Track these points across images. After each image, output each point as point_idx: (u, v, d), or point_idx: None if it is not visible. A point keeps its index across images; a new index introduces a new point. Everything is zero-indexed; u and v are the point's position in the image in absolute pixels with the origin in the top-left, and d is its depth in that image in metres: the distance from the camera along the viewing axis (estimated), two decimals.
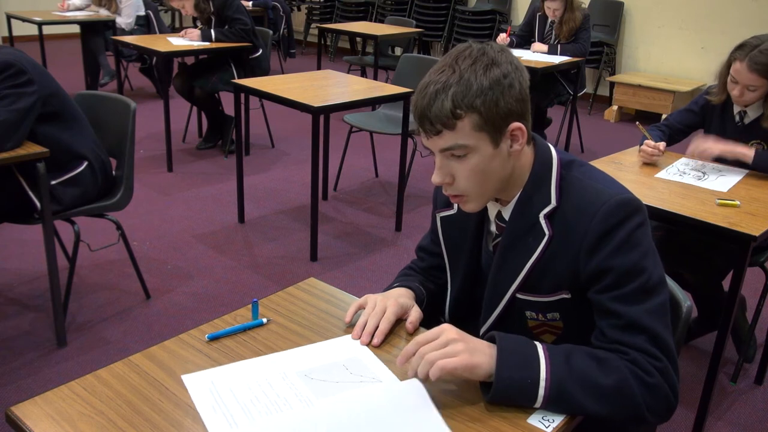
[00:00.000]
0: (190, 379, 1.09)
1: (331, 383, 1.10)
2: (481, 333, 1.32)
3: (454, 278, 1.38)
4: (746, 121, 2.36)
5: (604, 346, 1.12)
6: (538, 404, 1.05)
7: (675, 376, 1.10)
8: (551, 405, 1.05)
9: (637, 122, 2.52)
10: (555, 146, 1.26)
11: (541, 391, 1.04)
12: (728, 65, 2.27)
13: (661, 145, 2.37)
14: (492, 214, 1.28)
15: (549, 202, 1.19)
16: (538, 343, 1.10)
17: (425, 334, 1.10)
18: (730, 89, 2.28)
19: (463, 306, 1.39)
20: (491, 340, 1.12)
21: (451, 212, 1.36)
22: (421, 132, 1.15)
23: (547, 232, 1.18)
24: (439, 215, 1.38)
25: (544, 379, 1.04)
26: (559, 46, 4.57)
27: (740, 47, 2.23)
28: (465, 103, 1.09)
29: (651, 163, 2.38)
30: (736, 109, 2.38)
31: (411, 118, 3.59)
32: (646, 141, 2.39)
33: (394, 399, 1.07)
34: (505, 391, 1.04)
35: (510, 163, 1.19)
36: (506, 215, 1.25)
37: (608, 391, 1.05)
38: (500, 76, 1.11)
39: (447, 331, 1.09)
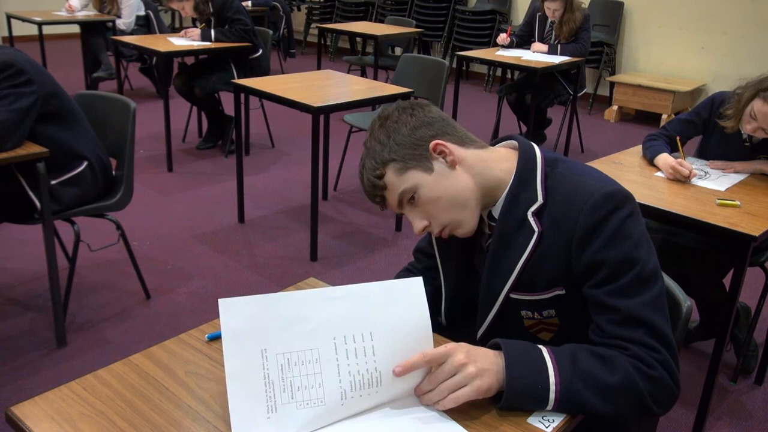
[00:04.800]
0: (225, 304, 1.01)
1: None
2: (478, 336, 1.32)
3: (448, 280, 1.38)
4: (754, 141, 2.34)
5: (603, 341, 1.12)
6: (549, 407, 1.05)
7: (675, 366, 1.11)
8: (562, 407, 1.05)
9: (678, 137, 2.39)
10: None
11: (552, 395, 1.04)
12: (750, 98, 2.18)
13: (695, 171, 2.28)
14: (484, 214, 1.29)
15: (536, 200, 1.20)
16: (542, 347, 1.10)
17: (432, 355, 1.05)
18: (745, 121, 2.21)
19: (459, 307, 1.39)
20: (494, 346, 1.11)
21: None
22: (379, 207, 1.28)
23: (536, 229, 1.19)
24: None
25: (553, 383, 1.05)
26: (559, 46, 4.57)
27: None
28: (378, 163, 1.21)
29: (674, 179, 2.26)
30: None
31: None
32: (680, 160, 2.27)
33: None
34: (517, 399, 1.05)
35: (464, 173, 1.22)
36: (496, 215, 1.26)
37: (615, 389, 1.06)
38: (390, 124, 1.23)
39: (455, 354, 1.05)
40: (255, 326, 1.01)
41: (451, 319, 1.40)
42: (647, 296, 1.11)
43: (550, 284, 1.20)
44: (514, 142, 1.28)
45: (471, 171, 1.22)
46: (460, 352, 1.06)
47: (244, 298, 1.02)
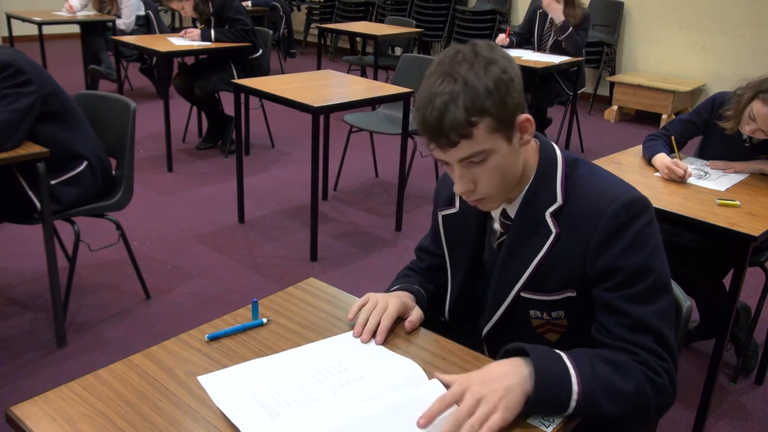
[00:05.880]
0: (207, 380, 1.09)
1: (345, 379, 1.11)
2: (484, 333, 1.32)
3: (455, 277, 1.38)
4: (755, 141, 2.34)
5: (609, 342, 1.13)
6: (567, 413, 1.04)
7: (675, 375, 1.12)
8: (578, 413, 1.05)
9: (673, 137, 2.40)
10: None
11: (573, 403, 1.04)
12: (750, 99, 2.18)
13: (690, 171, 2.27)
14: (497, 212, 1.28)
15: (555, 200, 1.20)
16: (561, 353, 1.08)
17: (450, 396, 1.01)
18: (744, 123, 2.22)
19: (464, 305, 1.39)
20: (515, 350, 1.09)
21: (453, 210, 1.36)
22: (433, 146, 1.12)
23: (553, 230, 1.19)
24: (440, 213, 1.38)
25: (576, 392, 1.04)
26: (560, 41, 4.57)
27: None
28: (477, 109, 1.07)
29: (669, 179, 2.25)
30: None
31: (412, 119, 3.60)
32: (675, 160, 2.27)
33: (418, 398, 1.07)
34: (541, 407, 1.04)
35: (522, 155, 1.19)
36: (512, 213, 1.25)
37: (628, 396, 1.06)
38: (500, 73, 1.09)
39: (470, 388, 1.01)
40: (239, 386, 1.09)
41: (455, 317, 1.40)
42: (659, 306, 1.12)
43: (563, 285, 1.20)
44: (536, 140, 1.27)
45: (523, 155, 1.20)
46: (475, 384, 1.02)
47: (221, 372, 1.12)
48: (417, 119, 1.12)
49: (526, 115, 1.14)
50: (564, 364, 1.07)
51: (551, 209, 1.19)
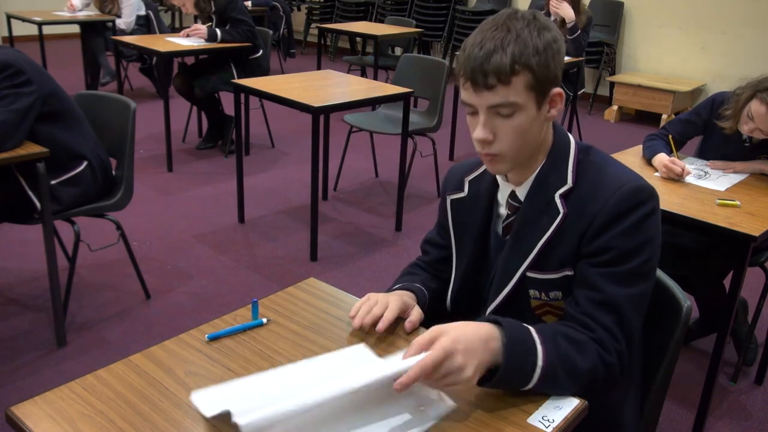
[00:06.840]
0: (199, 397, 1.05)
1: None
2: (487, 314, 1.33)
3: (460, 264, 1.39)
4: (754, 141, 2.34)
5: (574, 315, 1.17)
6: (527, 387, 1.07)
7: (626, 359, 1.16)
8: (538, 387, 1.07)
9: (670, 135, 2.42)
10: None
11: (535, 377, 1.07)
12: (748, 99, 2.18)
13: (689, 169, 2.28)
14: (505, 194, 1.31)
15: (565, 183, 1.23)
16: (531, 328, 1.12)
17: (434, 359, 1.00)
18: (743, 122, 2.22)
19: (466, 294, 1.40)
20: (488, 319, 1.12)
21: (462, 195, 1.38)
22: (468, 87, 1.15)
23: (561, 210, 1.21)
24: (449, 198, 1.41)
25: (540, 368, 1.07)
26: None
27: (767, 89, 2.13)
28: (522, 61, 1.11)
29: (667, 177, 2.26)
30: None
31: (412, 119, 3.60)
32: (672, 158, 2.28)
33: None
34: (507, 378, 1.06)
35: (544, 129, 1.23)
36: (521, 195, 1.28)
37: (584, 374, 1.11)
38: (552, 40, 1.14)
39: (440, 339, 1.02)
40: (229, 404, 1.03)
41: (457, 307, 1.41)
42: (633, 291, 1.16)
43: (562, 264, 1.23)
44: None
45: (545, 130, 1.24)
46: (446, 339, 1.02)
47: (214, 388, 1.08)
48: (460, 59, 1.17)
49: (559, 90, 1.18)
50: (533, 339, 1.09)
51: (561, 191, 1.22)
